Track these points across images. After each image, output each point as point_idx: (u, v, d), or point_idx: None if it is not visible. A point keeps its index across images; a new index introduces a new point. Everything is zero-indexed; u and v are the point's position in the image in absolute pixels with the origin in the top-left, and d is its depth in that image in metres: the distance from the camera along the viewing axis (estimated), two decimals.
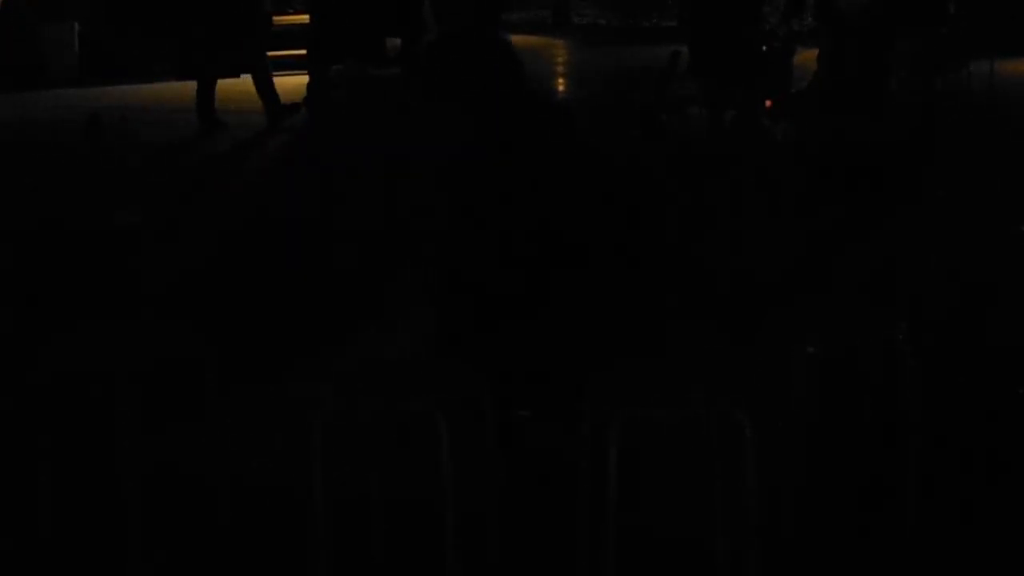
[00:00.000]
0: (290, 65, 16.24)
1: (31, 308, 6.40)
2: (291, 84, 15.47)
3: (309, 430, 3.57)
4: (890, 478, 4.14)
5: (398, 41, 14.55)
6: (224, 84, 15.87)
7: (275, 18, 18.24)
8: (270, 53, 16.61)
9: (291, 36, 16.90)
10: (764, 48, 11.35)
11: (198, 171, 10.59)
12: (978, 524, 4.13)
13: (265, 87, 13.52)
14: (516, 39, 16.38)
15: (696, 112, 11.46)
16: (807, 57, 10.30)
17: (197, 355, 4.13)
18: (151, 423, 4.21)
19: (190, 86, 15.61)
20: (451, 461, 3.54)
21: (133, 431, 3.99)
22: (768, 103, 10.70)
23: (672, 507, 4.22)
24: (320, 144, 12.05)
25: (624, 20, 21.60)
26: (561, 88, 15.03)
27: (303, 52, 15.73)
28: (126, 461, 4.01)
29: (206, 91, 12.95)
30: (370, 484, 3.99)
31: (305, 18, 17.10)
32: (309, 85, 14.09)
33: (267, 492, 4.37)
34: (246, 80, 16.25)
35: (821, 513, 4.16)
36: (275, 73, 16.39)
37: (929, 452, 4.25)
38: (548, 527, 4.14)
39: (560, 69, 15.20)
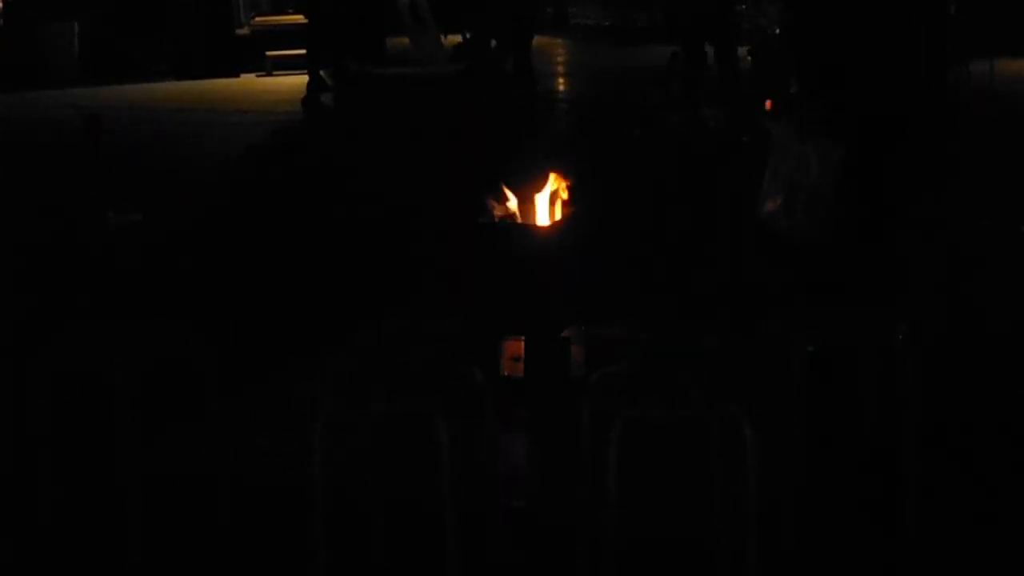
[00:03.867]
0: (289, 65, 16.29)
1: (31, 308, 6.40)
2: (288, 84, 15.51)
3: (309, 430, 3.57)
4: (890, 478, 4.14)
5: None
6: (224, 84, 15.93)
7: (275, 18, 18.33)
8: (269, 53, 16.68)
9: (291, 36, 16.94)
10: (759, 47, 11.40)
11: (198, 170, 10.59)
12: (978, 524, 4.13)
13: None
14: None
15: (707, 111, 11.52)
16: None
17: (197, 355, 4.13)
18: (151, 423, 4.21)
19: (189, 86, 15.65)
20: (451, 461, 3.54)
21: (133, 431, 3.99)
22: (768, 103, 10.70)
23: (672, 507, 4.22)
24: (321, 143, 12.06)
25: (624, 20, 21.62)
26: (563, 87, 15.03)
27: (301, 52, 15.80)
28: (126, 461, 4.01)
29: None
30: (370, 484, 3.99)
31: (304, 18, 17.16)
32: (309, 85, 14.13)
33: (267, 492, 4.37)
34: (246, 79, 16.31)
35: (821, 513, 4.16)
36: (275, 73, 16.46)
37: (929, 452, 4.25)
38: (548, 527, 4.14)
39: (561, 69, 15.21)
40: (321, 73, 14.33)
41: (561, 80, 15.42)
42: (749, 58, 11.99)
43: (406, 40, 17.15)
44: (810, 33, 5.02)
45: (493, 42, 15.39)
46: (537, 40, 15.36)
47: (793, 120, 5.31)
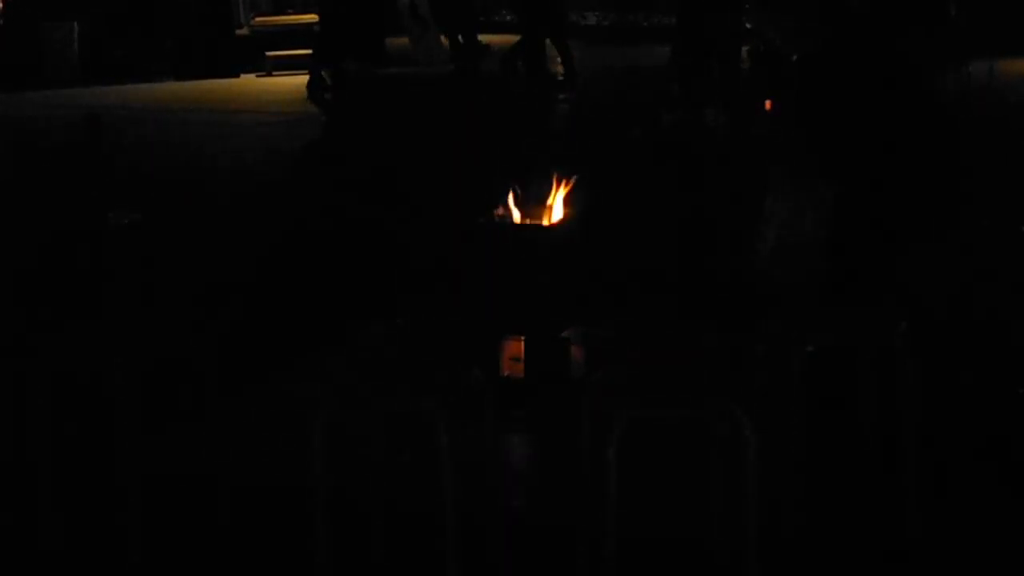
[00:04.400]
0: (289, 65, 16.30)
1: (31, 308, 6.40)
2: (288, 84, 15.51)
3: (309, 430, 3.57)
4: (890, 478, 4.14)
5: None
6: (224, 84, 15.92)
7: (275, 18, 18.34)
8: (269, 53, 16.69)
9: (291, 36, 16.96)
10: (762, 49, 11.40)
11: (198, 170, 10.59)
12: (978, 524, 4.13)
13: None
14: (515, 39, 16.44)
15: (711, 113, 11.51)
16: None
17: (197, 355, 4.13)
18: (151, 423, 4.21)
19: (189, 86, 15.65)
20: (451, 461, 3.54)
21: (133, 431, 3.99)
22: (768, 104, 10.70)
23: (672, 507, 4.22)
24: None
25: (624, 20, 21.62)
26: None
27: (301, 52, 15.83)
28: (126, 461, 4.01)
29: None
30: (370, 484, 3.99)
31: (304, 18, 17.19)
32: (309, 84, 14.14)
33: (267, 492, 4.37)
34: (246, 79, 16.31)
35: (821, 513, 4.15)
36: (274, 73, 16.45)
37: (929, 452, 4.25)
38: (548, 527, 4.14)
39: (561, 69, 15.20)
40: (321, 73, 14.35)
41: (561, 80, 15.37)
42: (749, 58, 11.99)
43: (406, 40, 17.17)
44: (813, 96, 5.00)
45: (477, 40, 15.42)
46: None
47: (788, 165, 5.29)
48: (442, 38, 16.77)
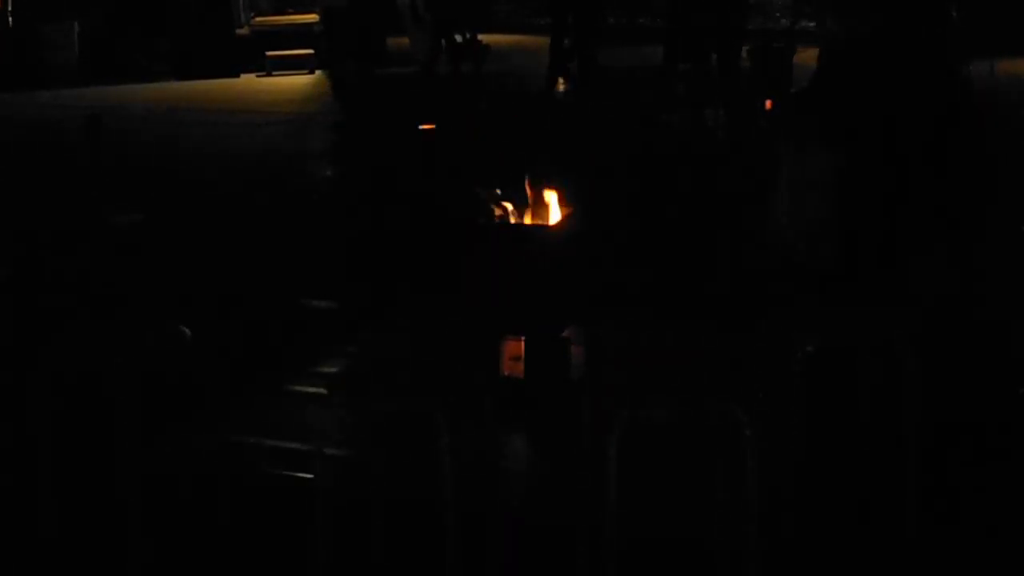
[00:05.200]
0: (288, 65, 16.31)
1: (31, 308, 6.40)
2: (288, 84, 15.53)
3: (310, 430, 3.57)
4: (890, 478, 4.14)
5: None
6: (224, 84, 15.94)
7: (275, 18, 18.37)
8: (269, 53, 16.71)
9: (291, 36, 16.97)
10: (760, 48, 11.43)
11: (198, 171, 10.59)
12: (978, 524, 4.13)
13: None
14: (514, 39, 16.48)
15: (711, 113, 11.52)
16: (807, 57, 10.29)
17: (197, 355, 4.13)
18: (151, 423, 4.21)
19: (189, 86, 15.66)
20: (451, 461, 3.54)
21: (133, 431, 3.99)
22: (768, 103, 10.71)
23: (672, 507, 4.22)
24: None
25: (624, 20, 21.64)
26: (561, 87, 15.04)
27: (301, 52, 15.84)
28: (126, 461, 4.01)
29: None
30: (371, 483, 3.99)
31: (304, 18, 17.21)
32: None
33: (267, 492, 4.37)
34: (246, 79, 16.32)
35: (821, 513, 4.16)
36: (274, 73, 16.47)
37: (929, 452, 4.25)
38: (548, 527, 4.14)
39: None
40: (321, 72, 14.41)
41: (560, 80, 15.38)
42: (749, 58, 12.00)
43: (406, 40, 17.18)
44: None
45: (458, 38, 15.43)
46: (537, 40, 15.37)
47: (792, 135, 5.30)
48: (442, 41, 16.77)
